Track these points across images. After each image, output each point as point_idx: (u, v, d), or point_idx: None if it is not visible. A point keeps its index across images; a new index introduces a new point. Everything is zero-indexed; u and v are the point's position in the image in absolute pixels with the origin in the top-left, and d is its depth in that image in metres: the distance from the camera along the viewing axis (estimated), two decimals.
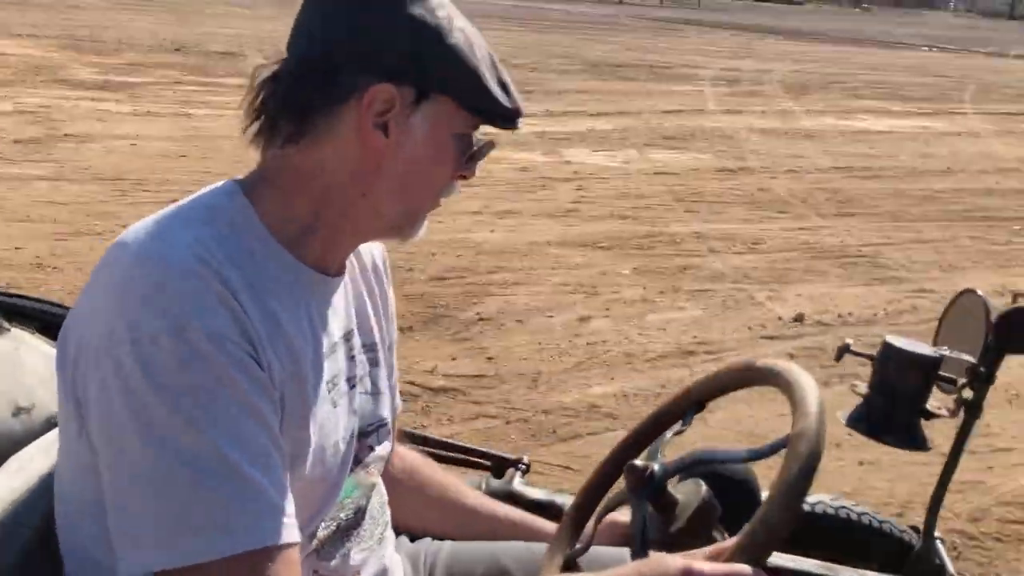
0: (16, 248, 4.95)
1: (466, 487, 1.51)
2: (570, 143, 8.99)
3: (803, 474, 0.96)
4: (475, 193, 6.45)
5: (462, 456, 1.77)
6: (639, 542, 1.07)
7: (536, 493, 1.66)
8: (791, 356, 4.36)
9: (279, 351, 1.00)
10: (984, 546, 3.00)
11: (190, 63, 12.21)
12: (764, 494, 1.32)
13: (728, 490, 1.28)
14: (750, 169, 8.39)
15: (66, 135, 7.62)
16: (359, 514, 1.22)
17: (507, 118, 1.08)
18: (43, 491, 1.11)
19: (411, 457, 1.48)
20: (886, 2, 58.18)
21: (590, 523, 1.23)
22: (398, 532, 1.39)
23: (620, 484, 1.18)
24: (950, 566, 1.64)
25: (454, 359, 4.08)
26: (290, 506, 0.97)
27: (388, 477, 1.35)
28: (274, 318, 1.01)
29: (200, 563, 0.91)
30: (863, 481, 3.29)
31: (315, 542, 1.13)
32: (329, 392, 1.09)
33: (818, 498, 1.78)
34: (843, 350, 1.43)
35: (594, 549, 1.22)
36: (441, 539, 1.45)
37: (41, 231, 5.26)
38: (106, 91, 9.76)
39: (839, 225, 6.73)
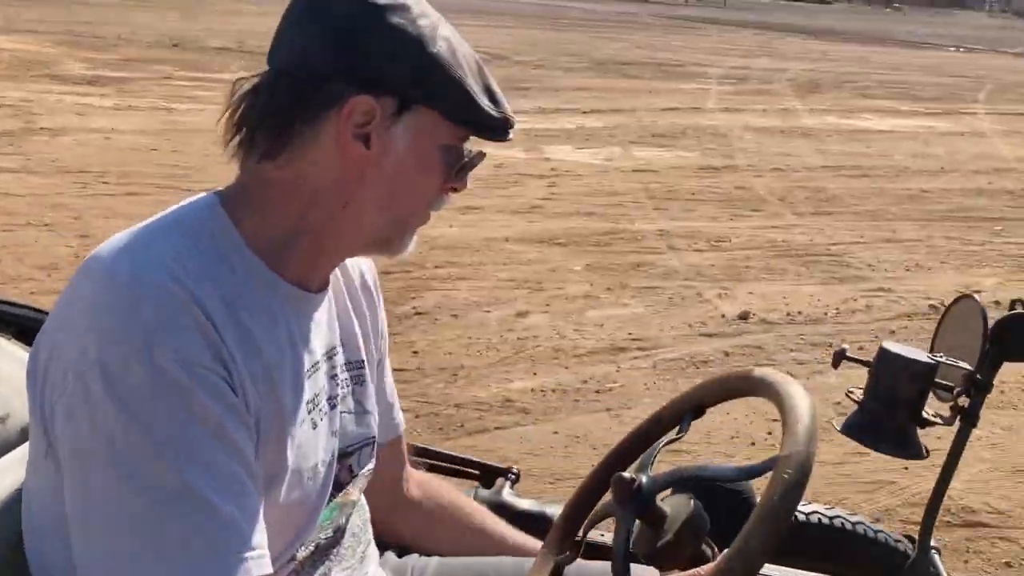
0: None
1: (485, 512, 1.48)
2: (555, 140, 8.92)
3: (786, 500, 0.94)
4: None
5: (450, 465, 1.74)
6: (620, 557, 1.05)
7: (526, 504, 1.63)
8: (726, 354, 4.27)
9: (255, 373, 0.97)
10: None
11: (185, 58, 12.29)
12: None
13: (722, 500, 1.25)
14: (735, 167, 8.27)
15: (41, 128, 7.67)
16: (338, 533, 1.18)
17: (495, 129, 1.04)
18: (17, 504, 1.07)
19: (435, 485, 1.45)
20: (919, 1, 57.49)
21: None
22: (387, 548, 1.38)
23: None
24: None
25: None
26: (261, 536, 0.94)
27: (407, 502, 1.37)
28: (251, 337, 0.98)
29: None
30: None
31: (293, 564, 1.10)
32: (309, 413, 1.06)
33: (812, 507, 1.75)
34: (839, 356, 1.39)
35: (578, 563, 1.21)
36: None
37: None
38: (94, 86, 9.84)
39: (813, 224, 6.60)
